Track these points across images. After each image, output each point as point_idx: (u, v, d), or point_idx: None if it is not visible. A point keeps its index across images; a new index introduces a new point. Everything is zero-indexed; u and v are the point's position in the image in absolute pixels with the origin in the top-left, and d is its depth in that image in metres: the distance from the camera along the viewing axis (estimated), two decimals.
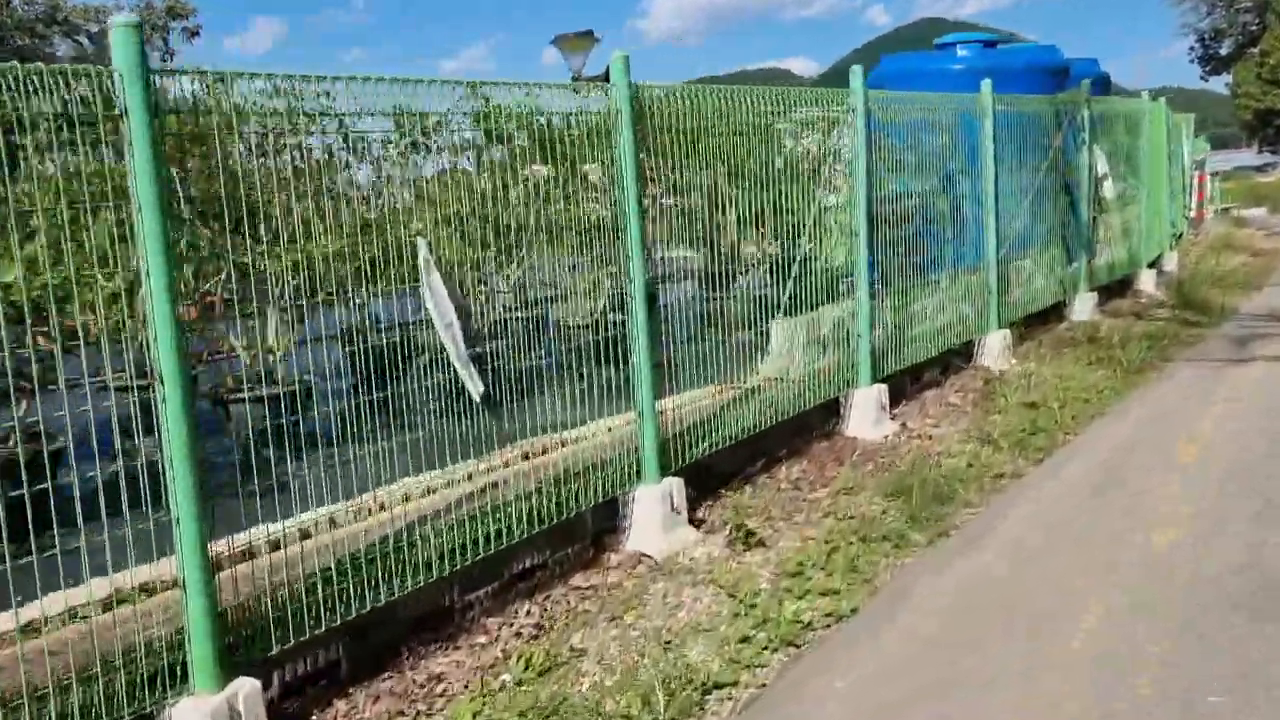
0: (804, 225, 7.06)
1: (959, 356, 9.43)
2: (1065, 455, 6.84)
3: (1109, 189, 11.36)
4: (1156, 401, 7.97)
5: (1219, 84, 56.98)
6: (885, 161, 8.21)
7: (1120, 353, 9.49)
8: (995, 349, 9.37)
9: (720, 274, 6.45)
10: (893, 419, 7.72)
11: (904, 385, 8.52)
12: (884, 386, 7.61)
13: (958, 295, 9.31)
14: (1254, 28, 50.89)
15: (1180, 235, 18.44)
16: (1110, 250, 12.26)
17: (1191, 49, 55.88)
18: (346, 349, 4.21)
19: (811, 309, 7.14)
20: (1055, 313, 11.12)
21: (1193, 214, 19.48)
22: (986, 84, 9.25)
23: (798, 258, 6.98)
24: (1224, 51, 54.21)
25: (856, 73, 7.47)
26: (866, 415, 7.46)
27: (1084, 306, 11.23)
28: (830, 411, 7.55)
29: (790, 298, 6.89)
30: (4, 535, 2.90)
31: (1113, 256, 12.18)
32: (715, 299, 6.53)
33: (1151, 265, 13.66)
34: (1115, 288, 12.72)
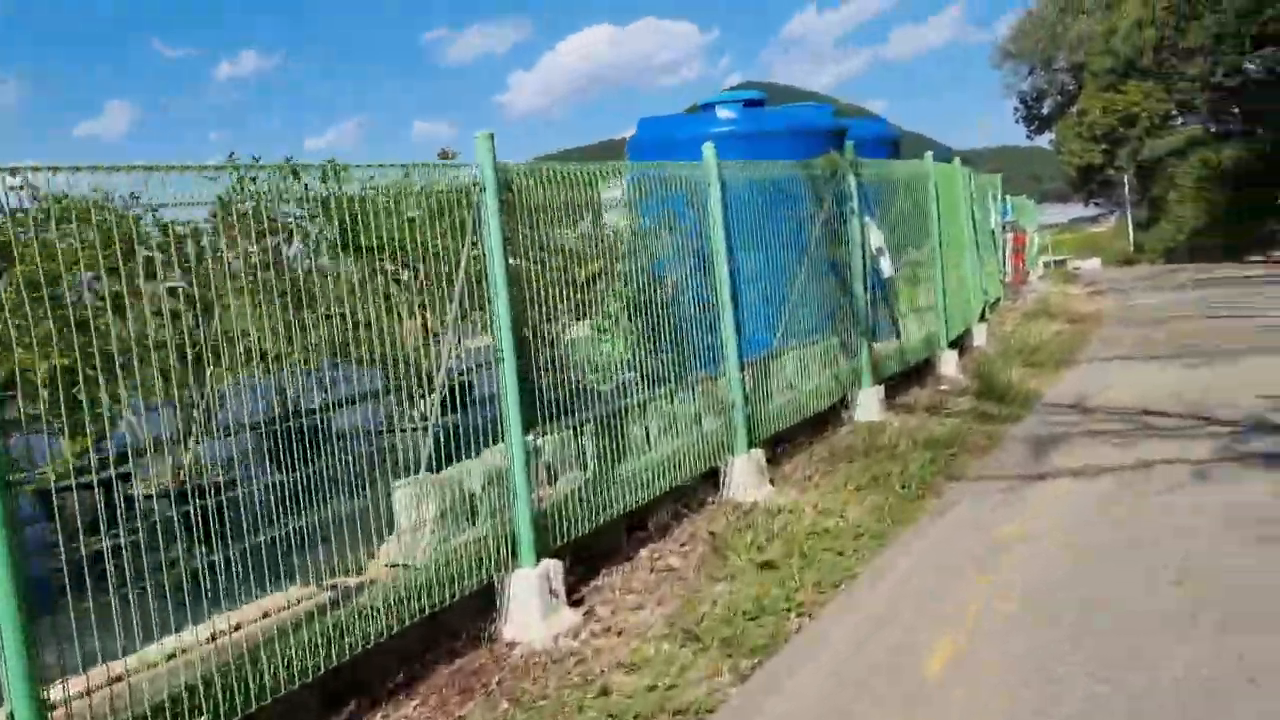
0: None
1: (707, 485, 7.53)
2: (787, 661, 4.86)
3: (886, 265, 9.78)
4: (926, 553, 6.13)
5: (1046, 141, 58.80)
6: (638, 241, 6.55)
7: (900, 468, 7.75)
8: (745, 476, 7.49)
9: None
10: (575, 605, 5.66)
11: (616, 542, 6.51)
12: (556, 563, 5.54)
13: (696, 410, 7.42)
14: (1071, 88, 52.71)
15: (997, 302, 17.35)
16: (902, 333, 10.69)
17: (1016, 109, 57.63)
18: None
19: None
20: (836, 413, 9.39)
21: (1009, 278, 18.59)
22: (709, 148, 7.50)
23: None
24: (1046, 111, 56.02)
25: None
26: (530, 607, 5.37)
27: (869, 404, 9.53)
28: (489, 600, 5.46)
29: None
30: None
31: (904, 341, 10.58)
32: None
33: (955, 344, 12.20)
34: (915, 373, 11.15)
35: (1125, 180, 51.55)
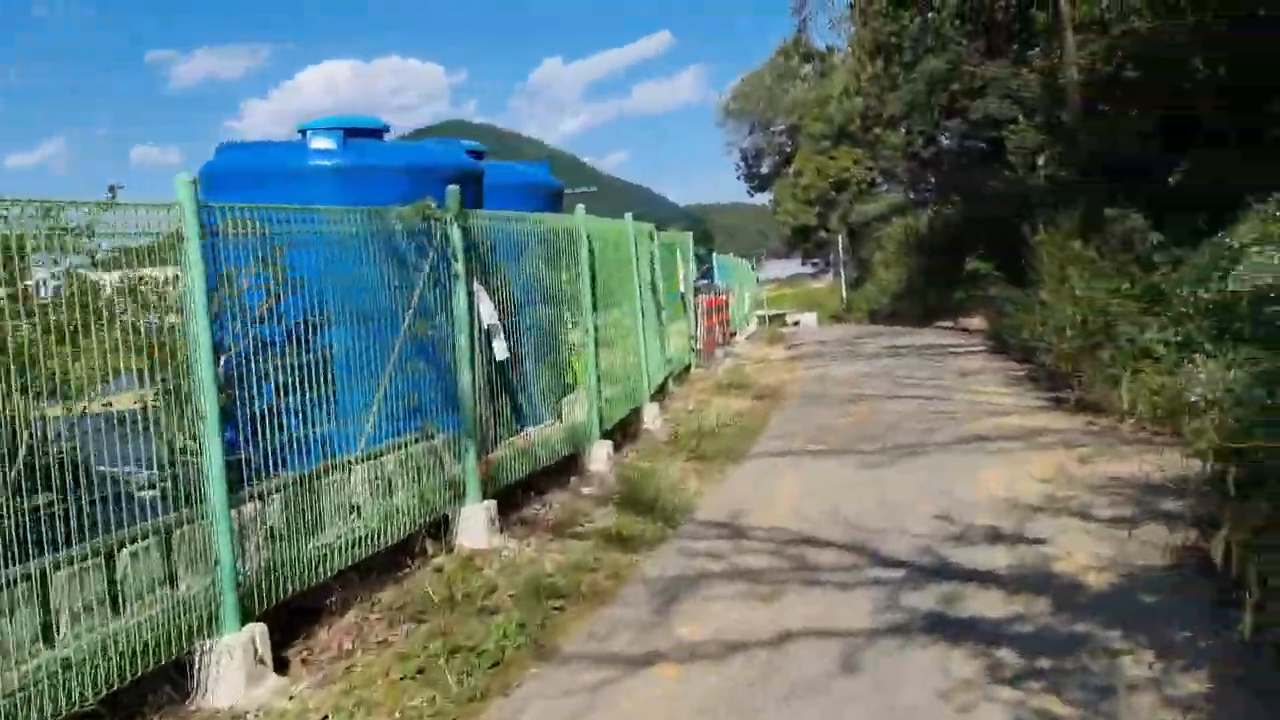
0: None
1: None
2: None
3: (499, 347, 7.70)
4: None
5: (765, 200, 60.62)
6: None
7: (483, 634, 5.61)
8: (232, 671, 5.04)
9: None
10: None
11: None
12: None
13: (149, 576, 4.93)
14: (788, 149, 54.54)
15: (687, 369, 15.90)
16: (535, 425, 8.66)
17: (737, 166, 59.10)
18: None
19: None
20: (432, 538, 7.14)
21: (700, 344, 17.31)
22: (183, 184, 5.08)
23: None
24: (765, 170, 57.75)
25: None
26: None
27: (473, 526, 7.36)
28: None
29: None
30: None
31: (535, 437, 8.54)
32: None
33: (613, 431, 10.36)
34: (557, 471, 9.15)
35: (839, 241, 53.76)
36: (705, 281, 19.90)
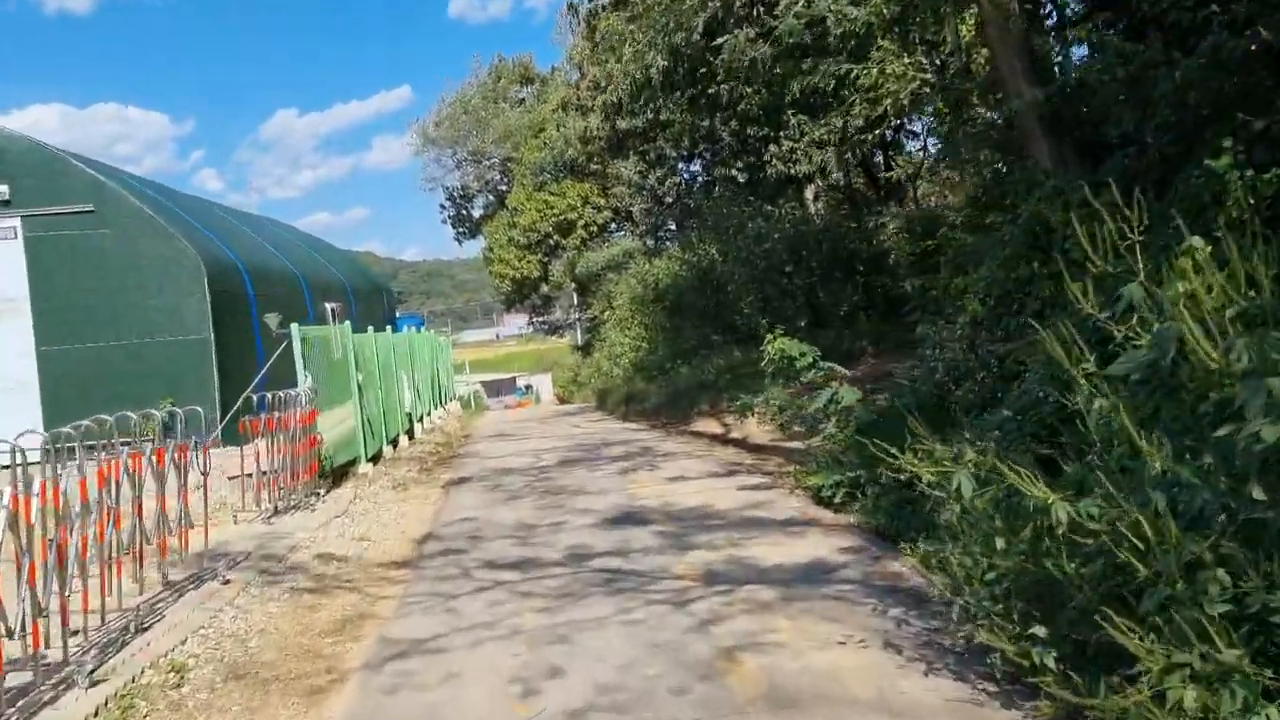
0: None
1: None
2: None
3: None
4: None
5: (477, 249, 51.31)
6: None
7: None
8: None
9: None
10: None
11: None
12: None
13: None
14: (503, 187, 45.98)
15: None
16: None
17: (443, 207, 49.83)
18: None
19: None
20: None
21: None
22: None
23: None
24: (477, 212, 48.84)
25: None
26: None
27: None
28: None
29: None
30: None
31: None
32: None
33: None
34: None
35: (570, 294, 45.61)
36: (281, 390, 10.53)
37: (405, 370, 18.73)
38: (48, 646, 5.25)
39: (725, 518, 9.19)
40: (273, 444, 10.20)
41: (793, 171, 28.71)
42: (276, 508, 10.26)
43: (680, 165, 32.60)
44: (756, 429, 14.83)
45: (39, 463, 5.86)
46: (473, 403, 37.38)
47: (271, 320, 13.28)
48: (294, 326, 11.63)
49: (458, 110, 45.56)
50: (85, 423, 6.46)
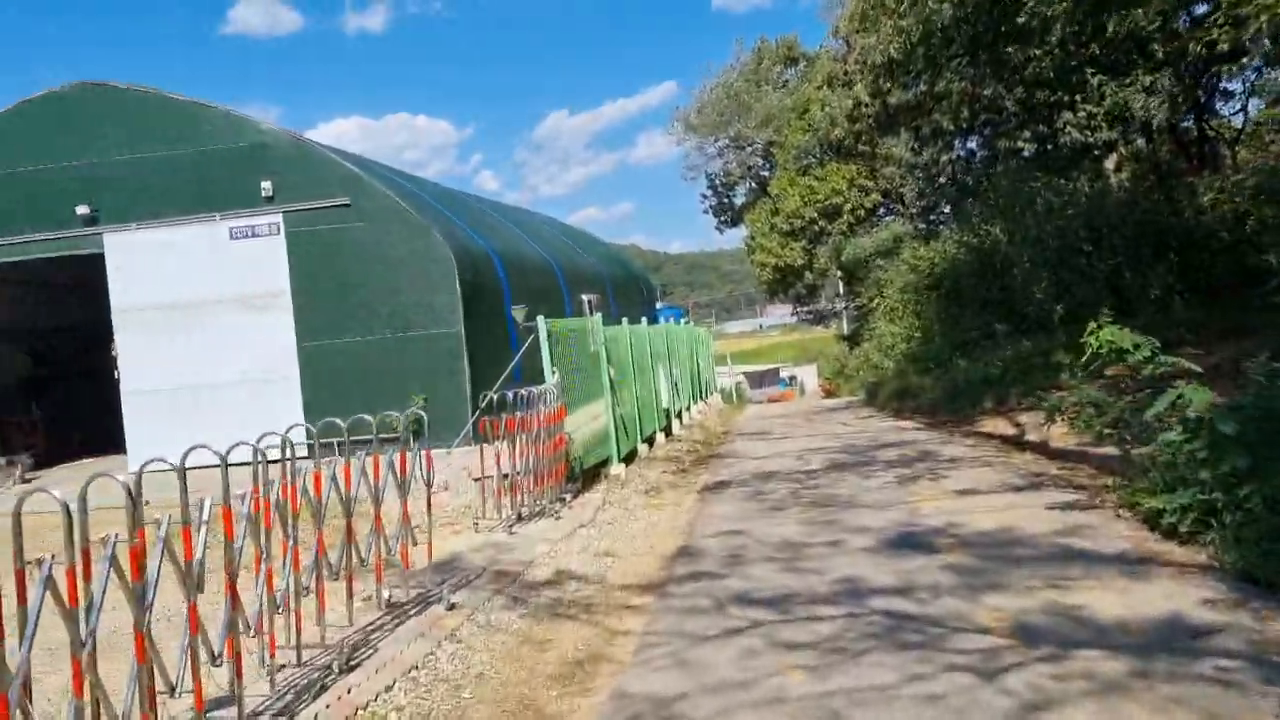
0: None
1: None
2: None
3: None
4: None
5: (739, 238, 50.34)
6: None
7: None
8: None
9: None
10: None
11: None
12: None
13: None
14: (765, 173, 44.71)
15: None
16: None
17: (704, 197, 49.16)
18: None
19: None
20: None
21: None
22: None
23: None
24: (739, 199, 47.83)
25: None
26: None
27: None
28: None
29: None
30: None
31: None
32: None
33: None
34: None
35: (835, 282, 43.79)
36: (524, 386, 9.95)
37: (662, 364, 17.88)
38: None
39: (1035, 546, 7.50)
40: (514, 445, 9.46)
41: (1091, 140, 25.66)
42: (520, 514, 9.54)
43: (957, 141, 30.02)
44: (1058, 432, 12.80)
45: (306, 457, 5.56)
46: (734, 396, 36.43)
47: (519, 313, 12.75)
48: (540, 319, 10.92)
49: (719, 95, 44.70)
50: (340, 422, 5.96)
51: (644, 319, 19.48)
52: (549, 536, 8.92)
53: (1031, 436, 13.32)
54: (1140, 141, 29.57)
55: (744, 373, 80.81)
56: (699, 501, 11.19)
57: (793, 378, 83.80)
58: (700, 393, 25.84)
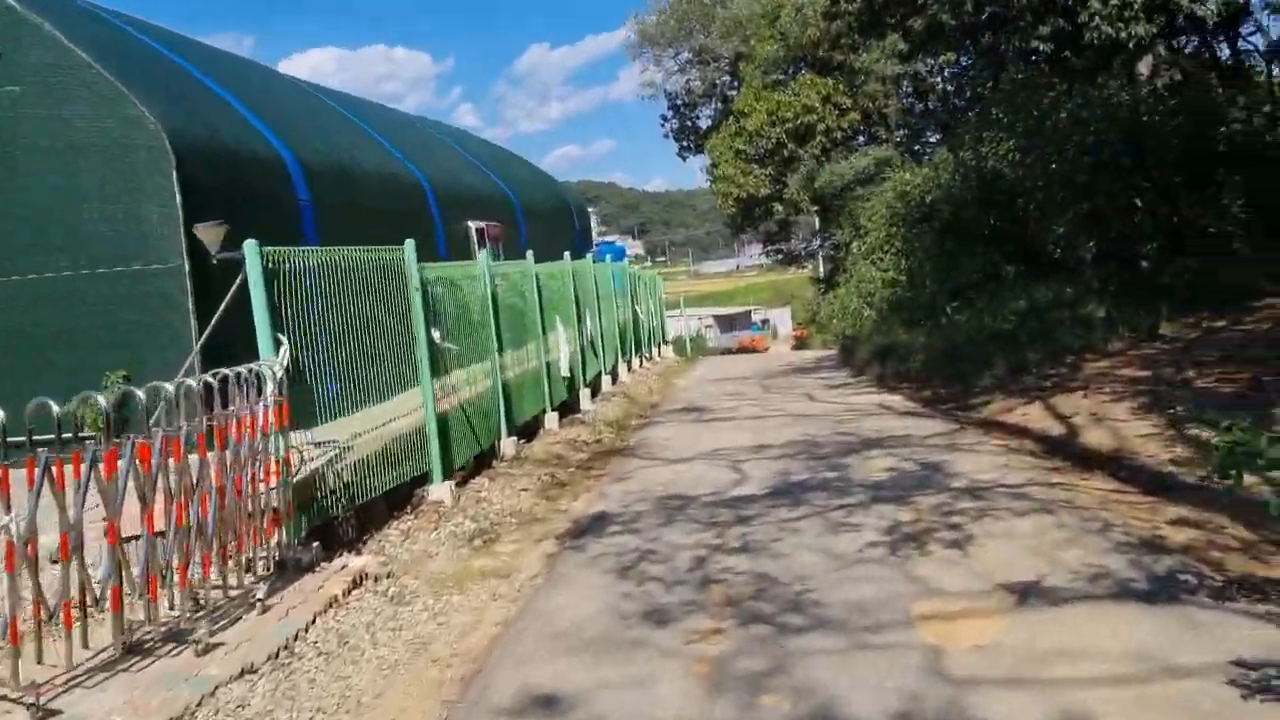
0: None
1: None
2: None
3: None
4: None
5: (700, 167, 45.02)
6: None
7: None
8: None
9: None
10: None
11: None
12: None
13: None
14: (732, 91, 39.40)
15: None
16: None
17: (664, 119, 43.82)
18: None
19: None
20: None
21: None
22: None
23: None
24: (704, 124, 42.51)
25: None
26: None
27: None
28: None
29: None
30: None
31: None
32: None
33: None
34: None
35: (810, 216, 38.86)
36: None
37: (564, 318, 13.01)
38: None
39: None
40: (169, 481, 4.65)
41: (1122, 35, 20.55)
42: (128, 645, 4.70)
43: (956, 43, 24.79)
44: (1136, 432, 8.11)
45: None
46: (688, 347, 31.56)
47: (207, 234, 7.78)
48: (250, 245, 5.99)
49: (680, 1, 39.17)
50: None
51: (566, 255, 14.57)
52: None
53: (1086, 433, 8.62)
54: (1185, 40, 24.59)
55: (714, 316, 76.09)
56: (543, 575, 6.38)
57: (765, 321, 79.22)
58: (639, 348, 21.01)
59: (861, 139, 34.63)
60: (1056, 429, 9.32)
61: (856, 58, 28.54)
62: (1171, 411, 8.85)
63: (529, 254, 12.55)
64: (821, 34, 27.25)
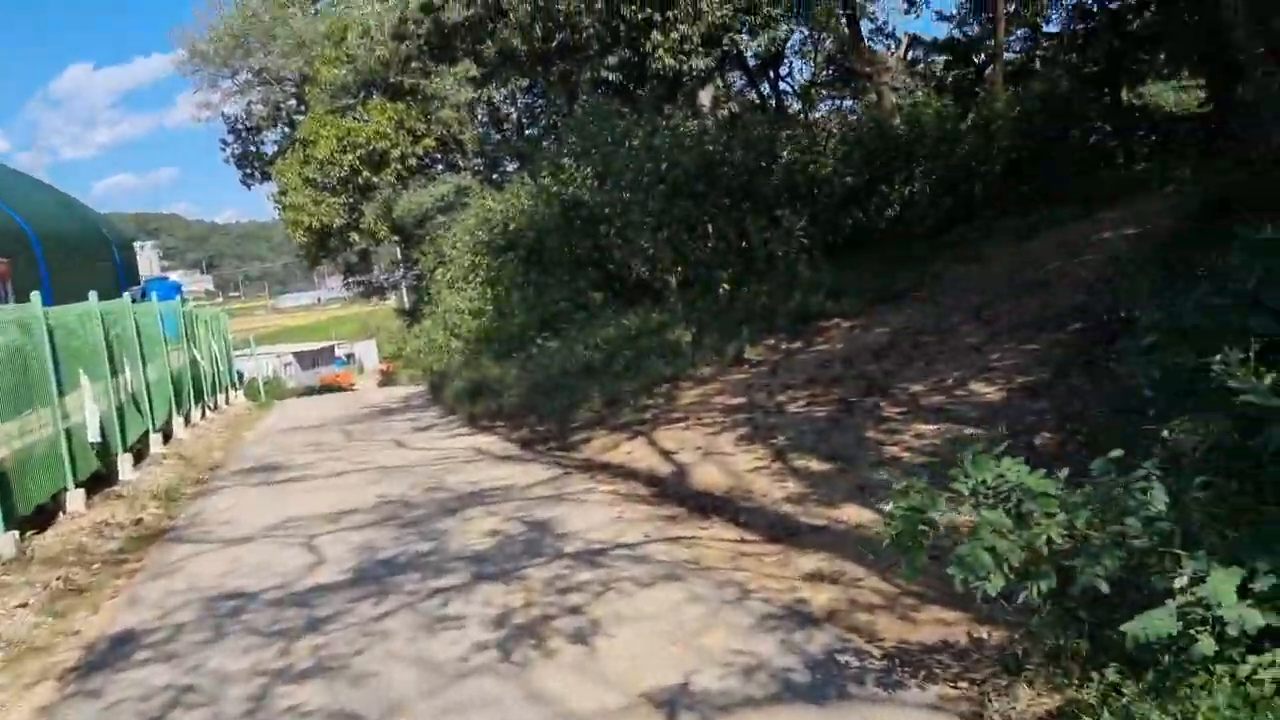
0: None
1: None
2: None
3: None
4: None
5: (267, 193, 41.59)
6: None
7: None
8: None
9: None
10: None
11: None
12: None
13: None
14: (300, 114, 36.73)
15: None
16: None
17: (224, 144, 40.07)
18: None
19: None
20: None
21: None
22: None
23: None
24: (270, 150, 39.36)
25: None
26: None
27: None
28: None
29: None
30: None
31: None
32: None
33: None
34: None
35: (391, 246, 37.14)
36: None
37: (97, 374, 10.61)
38: None
39: None
40: None
41: (684, 67, 21.28)
42: None
43: (532, 72, 24.46)
44: (744, 466, 7.65)
45: None
46: (261, 391, 28.60)
47: None
48: None
49: (235, 16, 35.88)
50: None
51: (93, 294, 11.85)
52: None
53: (701, 476, 8.03)
54: (737, 78, 26.14)
55: (294, 353, 71.32)
56: None
57: (350, 355, 75.69)
58: (200, 398, 18.33)
59: (440, 166, 33.62)
60: (665, 467, 8.70)
61: (429, 83, 27.46)
62: (774, 443, 8.54)
63: (34, 295, 9.99)
64: (391, 54, 25.89)
